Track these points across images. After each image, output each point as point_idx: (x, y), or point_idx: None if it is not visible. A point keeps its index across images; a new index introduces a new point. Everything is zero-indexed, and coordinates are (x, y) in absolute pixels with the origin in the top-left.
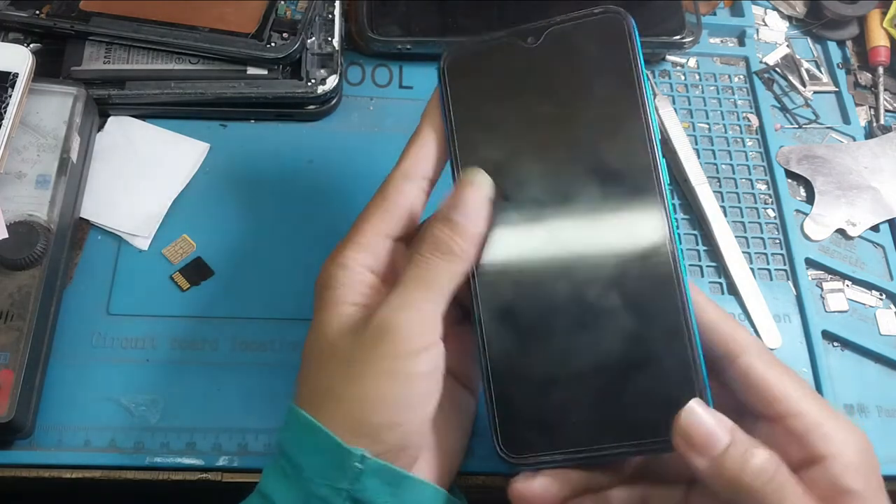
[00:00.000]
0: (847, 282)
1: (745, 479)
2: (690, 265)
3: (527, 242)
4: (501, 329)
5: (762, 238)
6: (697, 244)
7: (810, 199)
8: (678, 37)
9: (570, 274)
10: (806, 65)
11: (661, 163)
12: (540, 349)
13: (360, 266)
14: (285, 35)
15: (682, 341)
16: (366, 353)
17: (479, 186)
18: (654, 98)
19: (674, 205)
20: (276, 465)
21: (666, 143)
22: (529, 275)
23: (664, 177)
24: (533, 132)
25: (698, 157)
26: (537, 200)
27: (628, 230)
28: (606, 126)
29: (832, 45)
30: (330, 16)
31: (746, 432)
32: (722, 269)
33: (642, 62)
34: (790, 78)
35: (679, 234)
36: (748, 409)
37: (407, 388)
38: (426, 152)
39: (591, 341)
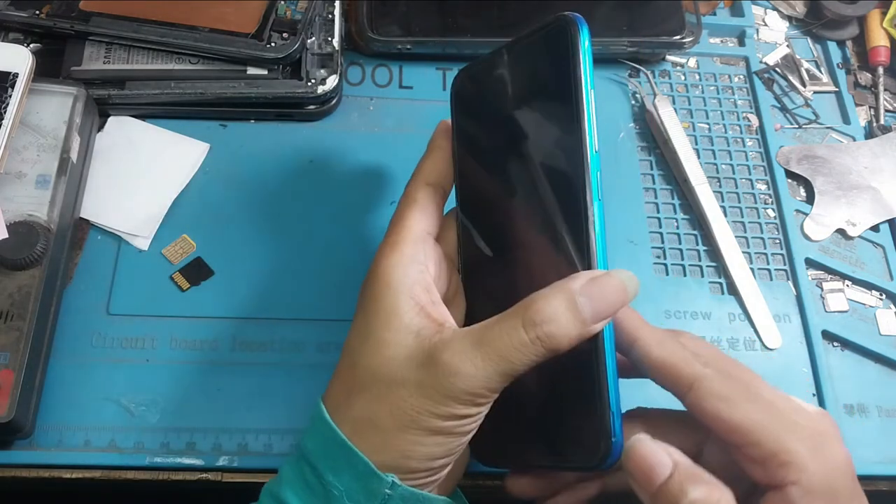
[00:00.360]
0: (847, 282)
1: None
2: (690, 265)
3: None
4: None
5: (762, 238)
6: (697, 244)
7: (810, 199)
8: (678, 37)
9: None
10: (806, 65)
11: (593, 180)
12: None
13: (417, 263)
14: (285, 35)
15: (590, 384)
16: (424, 402)
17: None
18: (593, 107)
19: (603, 229)
20: (299, 474)
21: (666, 143)
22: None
23: (593, 197)
24: (501, 150)
25: (698, 157)
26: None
27: (552, 261)
28: (546, 141)
29: (832, 45)
30: (330, 16)
31: None
32: (722, 269)
33: (585, 67)
34: (790, 78)
35: (602, 243)
36: (713, 436)
37: (454, 443)
38: (439, 164)
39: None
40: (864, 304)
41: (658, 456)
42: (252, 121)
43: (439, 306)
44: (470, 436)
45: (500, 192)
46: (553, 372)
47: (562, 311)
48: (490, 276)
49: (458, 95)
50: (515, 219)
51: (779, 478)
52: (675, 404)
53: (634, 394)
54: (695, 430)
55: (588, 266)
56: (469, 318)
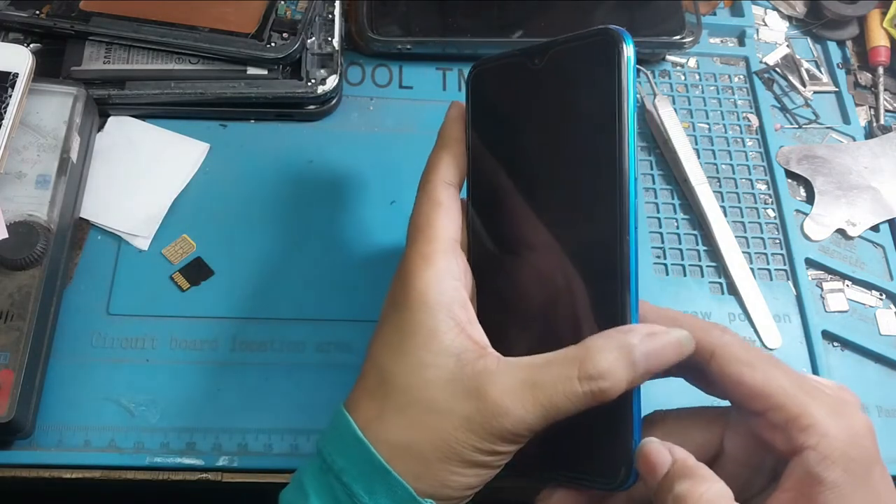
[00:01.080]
0: (847, 282)
1: None
2: (690, 265)
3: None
4: None
5: (762, 238)
6: (697, 244)
7: (810, 199)
8: (678, 37)
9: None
10: (806, 65)
11: (632, 203)
12: None
13: (452, 279)
14: (285, 35)
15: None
16: (469, 437)
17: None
18: (636, 129)
19: (636, 244)
20: (328, 491)
21: (666, 143)
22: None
23: (631, 218)
24: (524, 152)
25: (698, 157)
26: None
27: (585, 264)
28: (581, 154)
29: (832, 45)
30: (330, 16)
31: None
32: (722, 269)
33: (630, 85)
34: (790, 78)
35: (634, 272)
36: (736, 405)
37: (490, 474)
38: (458, 161)
39: None
40: (864, 304)
41: (660, 455)
42: (252, 121)
43: (476, 326)
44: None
45: (520, 194)
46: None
47: (620, 367)
48: (503, 278)
49: (477, 88)
50: (536, 223)
51: (799, 442)
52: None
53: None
54: (713, 421)
55: (623, 302)
56: (481, 318)
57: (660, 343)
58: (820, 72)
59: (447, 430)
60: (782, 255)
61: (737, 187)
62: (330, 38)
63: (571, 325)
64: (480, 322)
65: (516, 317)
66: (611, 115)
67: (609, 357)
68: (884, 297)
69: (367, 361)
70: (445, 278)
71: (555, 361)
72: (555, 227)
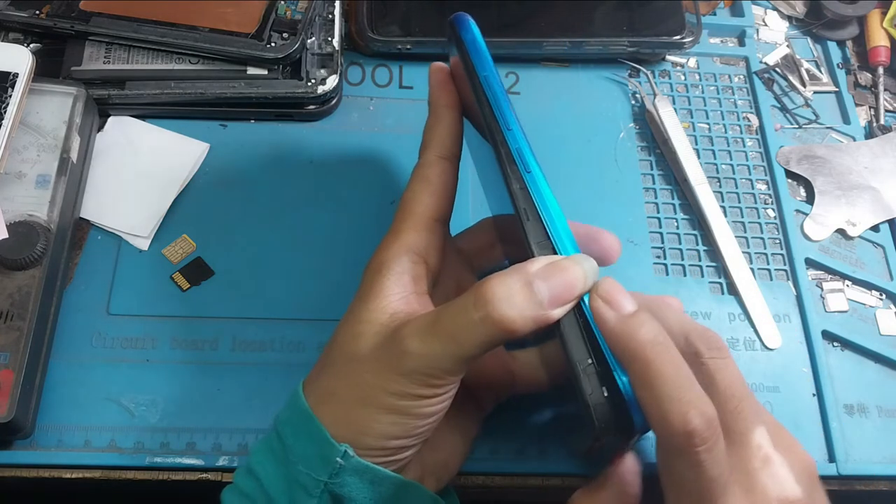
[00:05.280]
0: (847, 282)
1: (638, 336)
2: (690, 265)
3: None
4: None
5: (762, 238)
6: (697, 244)
7: (810, 199)
8: (678, 37)
9: None
10: (806, 65)
11: (514, 157)
12: None
13: (413, 254)
14: (285, 35)
15: None
16: (378, 379)
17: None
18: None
19: (534, 181)
20: (267, 443)
21: (666, 143)
22: None
23: (515, 156)
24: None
25: (698, 157)
26: None
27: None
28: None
29: (832, 45)
30: (330, 16)
31: None
32: (722, 269)
33: (474, 57)
34: (790, 78)
35: (542, 206)
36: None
37: (411, 424)
38: (452, 131)
39: None
40: (864, 304)
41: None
42: (252, 121)
43: (425, 298)
44: (431, 420)
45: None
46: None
47: (516, 291)
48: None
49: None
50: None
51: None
52: None
53: None
54: None
55: (527, 239)
56: None
57: (560, 270)
58: (820, 72)
59: (360, 374)
60: (782, 255)
61: (737, 187)
62: (330, 38)
63: None
64: None
65: None
66: (476, 87)
67: (506, 282)
68: (884, 297)
69: None
70: (407, 252)
71: (458, 299)
72: (501, 202)
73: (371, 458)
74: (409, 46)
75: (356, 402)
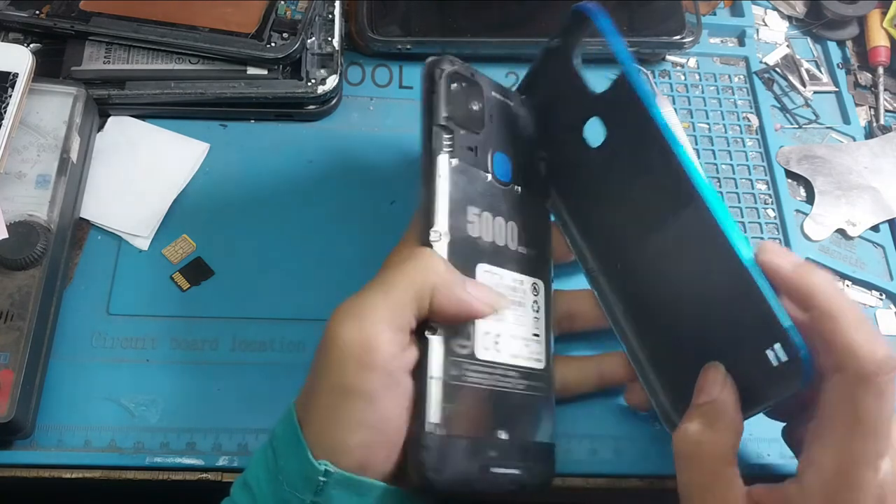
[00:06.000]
0: (847, 282)
1: (816, 276)
2: None
3: None
4: None
5: (762, 238)
6: None
7: (810, 199)
8: (678, 37)
9: None
10: (806, 65)
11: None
12: None
13: (395, 334)
14: (285, 35)
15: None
16: (330, 370)
17: None
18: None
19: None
20: (263, 456)
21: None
22: None
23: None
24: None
25: (698, 157)
26: None
27: None
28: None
29: (832, 45)
30: (330, 16)
31: None
32: None
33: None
34: (790, 78)
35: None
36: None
37: (370, 411)
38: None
39: None
40: (864, 304)
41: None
42: (252, 121)
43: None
44: (386, 400)
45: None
46: None
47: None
48: None
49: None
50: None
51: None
52: None
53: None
54: None
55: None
56: None
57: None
58: (820, 72)
59: (337, 379)
60: None
61: (737, 187)
62: (330, 38)
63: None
64: None
65: None
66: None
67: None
68: (884, 297)
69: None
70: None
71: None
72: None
73: (352, 469)
74: (409, 46)
75: (321, 408)
